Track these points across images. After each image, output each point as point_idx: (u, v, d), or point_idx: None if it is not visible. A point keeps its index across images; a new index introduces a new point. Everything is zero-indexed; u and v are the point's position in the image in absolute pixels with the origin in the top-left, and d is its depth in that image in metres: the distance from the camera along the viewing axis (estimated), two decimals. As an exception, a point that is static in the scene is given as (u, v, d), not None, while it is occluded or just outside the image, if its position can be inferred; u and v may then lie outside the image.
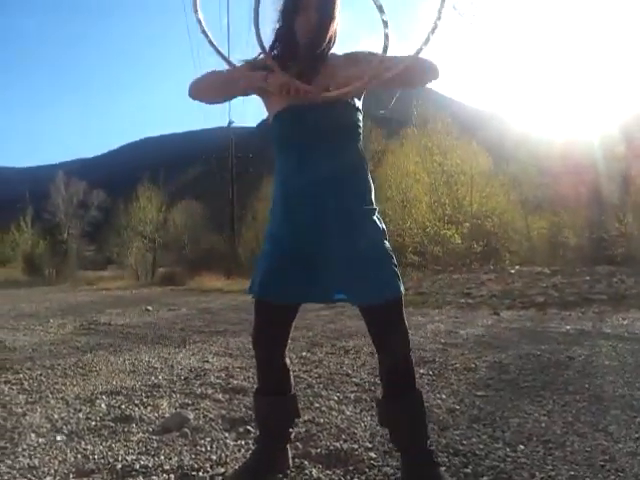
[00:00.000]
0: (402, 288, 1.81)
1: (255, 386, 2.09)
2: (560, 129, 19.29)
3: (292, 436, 2.10)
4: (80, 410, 2.98)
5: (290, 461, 2.08)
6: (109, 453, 2.30)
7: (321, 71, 1.82)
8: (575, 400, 3.00)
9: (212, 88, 1.93)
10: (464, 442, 2.35)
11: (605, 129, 16.86)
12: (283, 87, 1.74)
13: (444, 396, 3.14)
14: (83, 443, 2.43)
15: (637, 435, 2.40)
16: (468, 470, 2.05)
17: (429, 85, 1.91)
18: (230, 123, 29.68)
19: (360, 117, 1.90)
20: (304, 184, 1.81)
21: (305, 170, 1.81)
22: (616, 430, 2.48)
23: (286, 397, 2.01)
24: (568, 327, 6.00)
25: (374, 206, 1.88)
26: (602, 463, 2.09)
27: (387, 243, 1.85)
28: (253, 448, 2.12)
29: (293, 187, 1.84)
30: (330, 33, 1.82)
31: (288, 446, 2.08)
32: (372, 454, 2.22)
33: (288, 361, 2.01)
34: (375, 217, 1.87)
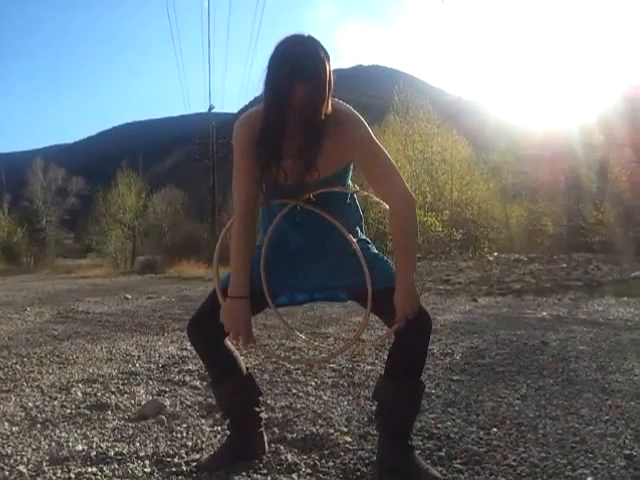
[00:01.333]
0: None
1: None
2: (539, 118, 19.44)
3: (263, 416, 2.11)
4: (55, 398, 2.95)
5: (266, 446, 2.09)
6: (84, 441, 2.28)
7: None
8: (549, 384, 3.05)
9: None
10: (439, 426, 2.38)
11: (584, 118, 17.03)
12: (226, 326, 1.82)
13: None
14: (57, 431, 2.41)
15: (607, 417, 2.45)
16: (442, 453, 2.07)
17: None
18: (211, 108, 29.40)
19: (348, 181, 1.94)
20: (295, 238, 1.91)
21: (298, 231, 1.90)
22: (587, 413, 2.52)
23: (240, 379, 2.00)
24: (544, 313, 6.09)
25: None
26: (573, 445, 2.13)
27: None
28: (227, 435, 2.12)
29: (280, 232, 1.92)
30: (322, 115, 1.71)
31: (264, 431, 2.09)
32: (348, 438, 2.24)
33: (232, 346, 1.98)
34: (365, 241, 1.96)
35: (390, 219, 1.85)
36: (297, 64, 1.63)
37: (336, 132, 1.76)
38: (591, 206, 17.16)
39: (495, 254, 14.32)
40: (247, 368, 2.06)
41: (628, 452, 2.04)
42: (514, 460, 1.99)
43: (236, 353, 2.01)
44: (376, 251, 1.92)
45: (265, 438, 2.09)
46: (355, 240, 1.87)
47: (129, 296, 9.55)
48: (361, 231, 2.01)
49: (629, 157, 15.48)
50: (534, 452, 2.06)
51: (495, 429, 2.33)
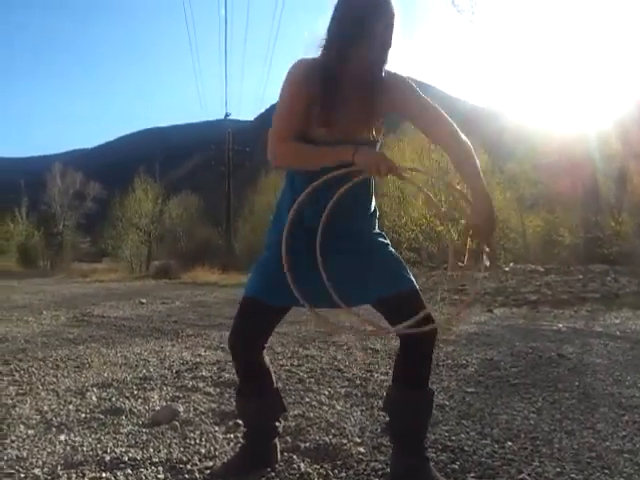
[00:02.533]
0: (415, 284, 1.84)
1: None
2: (557, 127, 19.29)
3: (280, 429, 2.09)
4: (70, 402, 2.97)
5: (279, 455, 2.08)
6: (98, 445, 2.30)
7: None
8: (564, 398, 3.02)
9: (300, 160, 1.83)
10: (453, 438, 2.36)
11: (602, 127, 16.87)
12: (372, 166, 1.68)
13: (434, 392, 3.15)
14: (72, 435, 2.43)
15: (624, 433, 2.42)
16: (456, 466, 2.06)
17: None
18: (227, 115, 29.62)
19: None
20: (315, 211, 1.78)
21: (320, 200, 1.76)
22: (604, 428, 2.49)
23: (268, 396, 1.99)
24: (560, 325, 6.02)
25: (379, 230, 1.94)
26: (589, 460, 2.11)
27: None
28: (241, 443, 2.12)
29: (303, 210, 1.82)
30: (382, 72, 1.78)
31: (277, 440, 2.09)
32: (361, 449, 2.23)
33: (267, 359, 1.99)
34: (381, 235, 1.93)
35: (447, 144, 1.81)
36: (380, 4, 1.67)
37: (388, 92, 1.79)
38: (609, 216, 16.97)
39: (511, 264, 14.20)
40: (276, 381, 2.05)
41: (646, 469, 2.01)
42: (529, 474, 1.97)
43: (270, 368, 1.99)
44: (390, 247, 1.89)
45: (278, 447, 2.09)
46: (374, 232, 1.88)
47: (144, 301, 9.61)
48: (376, 221, 1.95)
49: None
50: (549, 467, 2.04)
51: (510, 443, 2.30)
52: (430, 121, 1.81)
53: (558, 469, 2.02)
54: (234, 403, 2.19)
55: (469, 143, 1.77)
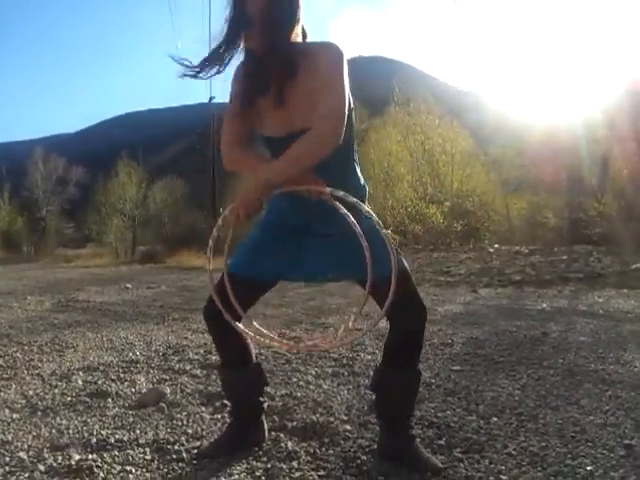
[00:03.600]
0: (404, 264, 1.79)
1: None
2: (542, 111, 19.36)
3: (265, 406, 2.09)
4: (56, 386, 2.96)
5: (266, 433, 2.09)
6: (84, 428, 2.28)
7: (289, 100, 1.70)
8: (549, 374, 3.06)
9: (241, 169, 1.89)
10: (439, 415, 2.38)
11: (586, 112, 16.96)
12: (234, 210, 1.71)
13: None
14: (58, 418, 2.41)
15: (607, 408, 2.45)
16: (442, 442, 2.07)
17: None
18: (211, 99, 29.29)
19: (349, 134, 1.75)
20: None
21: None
22: (587, 403, 2.53)
23: (250, 366, 2.00)
24: (544, 305, 6.09)
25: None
26: (573, 434, 2.14)
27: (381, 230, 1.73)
28: (228, 422, 2.12)
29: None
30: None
31: (264, 419, 2.09)
32: (347, 426, 2.24)
33: (242, 328, 1.92)
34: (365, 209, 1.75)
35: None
36: None
37: (311, 69, 1.67)
38: (592, 199, 17.12)
39: (495, 246, 14.31)
40: (256, 356, 2.06)
41: (628, 442, 2.04)
42: (514, 449, 1.99)
43: (248, 340, 1.98)
44: (378, 228, 1.70)
45: (265, 426, 2.09)
46: (362, 215, 1.68)
47: (129, 285, 9.56)
48: (365, 203, 1.83)
49: (631, 151, 15.41)
50: (534, 441, 2.07)
51: (495, 418, 2.33)
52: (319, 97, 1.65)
53: (543, 443, 2.05)
54: (219, 378, 2.18)
55: (320, 135, 1.62)
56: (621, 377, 2.98)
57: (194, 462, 1.92)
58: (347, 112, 1.65)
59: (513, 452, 1.97)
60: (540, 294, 7.20)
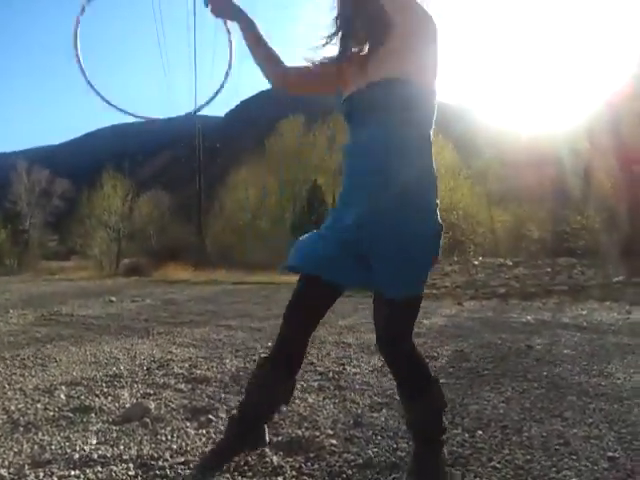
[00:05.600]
0: (415, 291, 1.75)
1: (258, 359, 2.05)
2: (526, 124, 19.62)
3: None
4: (38, 401, 2.91)
5: (267, 437, 2.11)
6: (67, 443, 2.25)
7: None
8: (533, 387, 3.08)
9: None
10: (424, 428, 2.38)
11: (569, 125, 17.21)
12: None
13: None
14: (40, 434, 2.38)
15: (591, 420, 2.47)
16: (427, 455, 2.07)
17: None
18: (197, 111, 29.33)
19: (417, 93, 1.72)
20: (360, 169, 1.76)
21: (357, 151, 1.78)
22: (571, 416, 2.54)
23: (292, 377, 1.95)
24: (529, 317, 6.13)
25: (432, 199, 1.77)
26: (557, 447, 2.15)
27: (431, 242, 1.75)
28: (229, 419, 2.07)
29: (352, 172, 1.81)
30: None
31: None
32: (333, 441, 2.23)
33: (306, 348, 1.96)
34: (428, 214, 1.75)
35: None
36: None
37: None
38: (575, 211, 17.32)
39: (480, 258, 14.40)
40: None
41: (611, 454, 2.06)
42: (499, 462, 2.00)
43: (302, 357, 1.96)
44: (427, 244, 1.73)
45: (267, 430, 2.12)
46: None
47: (114, 299, 9.47)
48: (433, 195, 1.78)
49: (613, 163, 15.65)
50: (519, 454, 2.08)
51: (480, 432, 2.34)
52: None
53: (528, 456, 2.06)
54: (252, 373, 2.04)
55: None
56: (604, 389, 3.01)
57: (179, 478, 1.90)
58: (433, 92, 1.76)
59: (498, 465, 1.98)
60: (524, 306, 7.25)
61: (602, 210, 16.40)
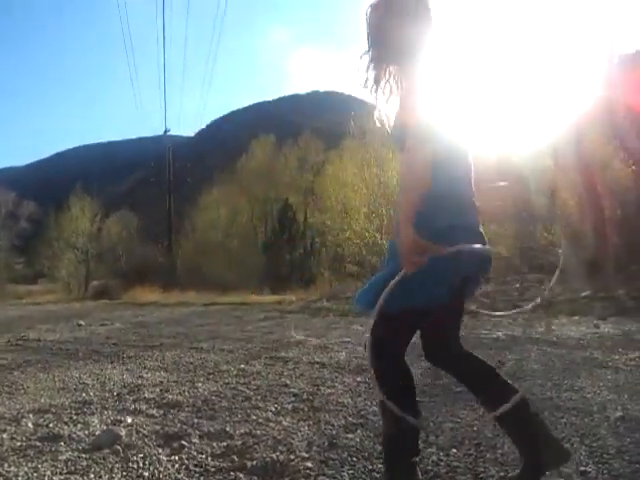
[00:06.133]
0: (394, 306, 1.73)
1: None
2: (490, 143, 20.02)
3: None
4: (4, 430, 2.83)
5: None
6: (34, 474, 2.19)
7: None
8: (505, 404, 3.10)
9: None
10: (399, 448, 2.38)
11: (534, 143, 17.61)
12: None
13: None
14: (6, 465, 2.31)
15: (563, 435, 2.50)
16: (403, 476, 2.07)
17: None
18: (166, 131, 29.21)
19: None
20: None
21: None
22: (543, 431, 2.57)
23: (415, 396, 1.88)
24: (499, 333, 6.20)
25: None
26: (530, 463, 2.17)
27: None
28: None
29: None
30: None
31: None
32: (308, 464, 2.22)
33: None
34: None
35: None
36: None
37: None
38: (542, 229, 17.66)
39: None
40: None
41: (583, 469, 2.08)
42: (474, 480, 2.01)
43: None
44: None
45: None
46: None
47: (82, 323, 9.29)
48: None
49: (577, 181, 16.02)
50: (493, 472, 2.09)
51: (454, 450, 2.35)
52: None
53: (502, 473, 2.07)
54: (386, 412, 1.78)
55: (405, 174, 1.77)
56: (575, 404, 3.05)
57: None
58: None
59: (473, 483, 1.99)
60: (495, 323, 7.32)
61: (567, 227, 16.73)
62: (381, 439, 1.88)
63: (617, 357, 4.36)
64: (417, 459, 1.83)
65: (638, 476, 2.02)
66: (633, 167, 14.52)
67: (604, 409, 2.92)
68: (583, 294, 8.99)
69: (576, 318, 7.33)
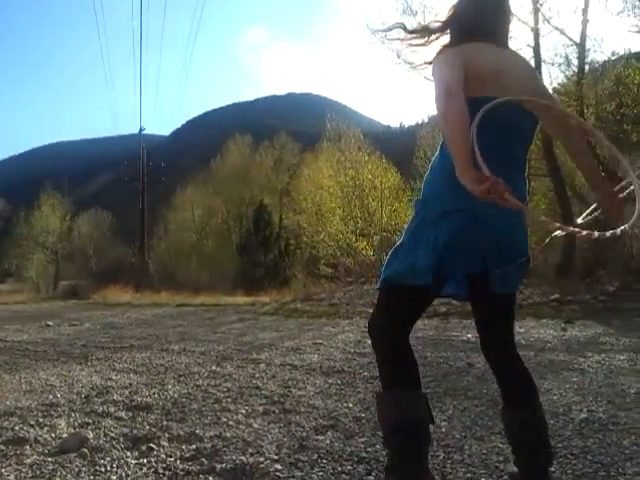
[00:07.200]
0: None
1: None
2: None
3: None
4: (-33, 434, 2.77)
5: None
6: (-2, 478, 2.16)
7: None
8: (474, 405, 3.15)
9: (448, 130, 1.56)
10: (368, 449, 2.40)
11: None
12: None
13: (351, 404, 3.20)
14: (-31, 469, 2.26)
15: (528, 436, 2.54)
16: (371, 477, 2.10)
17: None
18: (141, 130, 28.89)
19: None
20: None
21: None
22: (510, 432, 2.61)
23: (422, 390, 1.85)
24: (469, 335, 6.27)
25: None
26: (497, 464, 2.21)
27: None
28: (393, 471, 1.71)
29: None
30: None
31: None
32: (278, 466, 2.22)
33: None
34: None
35: None
36: None
37: None
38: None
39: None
40: None
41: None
42: (441, 481, 2.04)
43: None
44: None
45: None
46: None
47: (51, 323, 9.14)
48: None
49: (547, 186, 16.31)
50: (460, 473, 2.12)
51: (423, 451, 2.37)
52: None
53: (469, 474, 2.10)
54: (383, 405, 1.85)
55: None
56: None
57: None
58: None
59: (440, 484, 2.01)
60: (465, 325, 7.41)
61: (536, 230, 17.06)
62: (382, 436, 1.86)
63: (583, 360, 4.45)
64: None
65: (600, 475, 2.07)
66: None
67: (569, 411, 2.98)
68: (552, 297, 9.14)
69: (544, 321, 7.44)
